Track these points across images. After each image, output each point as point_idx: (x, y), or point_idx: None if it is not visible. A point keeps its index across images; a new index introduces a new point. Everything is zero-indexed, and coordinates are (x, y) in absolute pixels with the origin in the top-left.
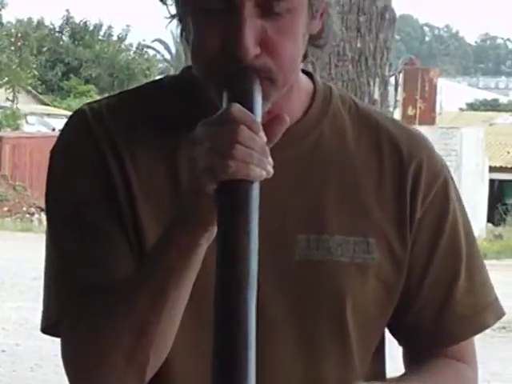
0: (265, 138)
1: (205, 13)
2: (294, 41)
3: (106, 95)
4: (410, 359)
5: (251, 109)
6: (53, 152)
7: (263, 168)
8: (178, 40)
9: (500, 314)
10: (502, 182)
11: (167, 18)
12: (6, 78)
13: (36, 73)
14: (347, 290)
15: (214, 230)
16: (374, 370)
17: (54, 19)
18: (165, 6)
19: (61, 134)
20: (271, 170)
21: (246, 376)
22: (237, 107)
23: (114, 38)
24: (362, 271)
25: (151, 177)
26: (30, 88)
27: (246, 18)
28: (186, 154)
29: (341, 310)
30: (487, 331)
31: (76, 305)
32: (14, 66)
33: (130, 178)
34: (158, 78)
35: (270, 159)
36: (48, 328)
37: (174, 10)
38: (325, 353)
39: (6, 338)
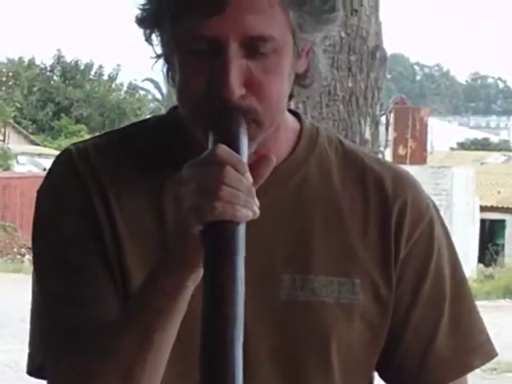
0: (251, 179)
1: (190, 54)
2: (279, 81)
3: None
4: None
5: (237, 150)
6: (39, 192)
7: (249, 209)
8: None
9: (490, 355)
10: (492, 221)
11: (153, 58)
12: None
13: (19, 105)
14: (332, 330)
15: (201, 271)
16: None
17: (45, 59)
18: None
19: (47, 174)
20: (257, 211)
21: None
22: (223, 148)
23: (105, 77)
24: (347, 312)
25: (137, 216)
26: (20, 128)
27: (232, 59)
28: (172, 195)
29: (326, 351)
30: (477, 372)
31: (61, 347)
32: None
33: (116, 217)
34: (145, 117)
35: (256, 200)
36: (34, 371)
37: (160, 50)
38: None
39: None
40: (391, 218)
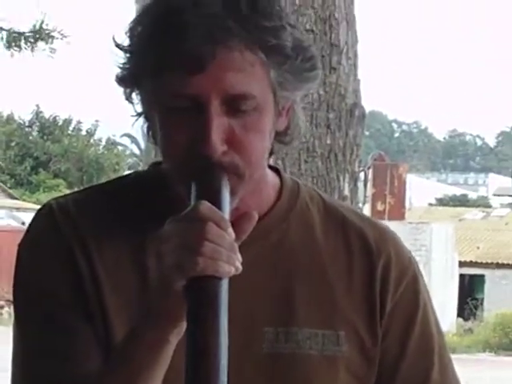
0: (233, 235)
1: (171, 111)
2: (260, 138)
3: (75, 189)
4: None
5: (219, 206)
6: (20, 245)
7: (232, 264)
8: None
9: None
10: (471, 276)
11: (133, 116)
12: None
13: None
14: (316, 382)
15: (183, 325)
16: None
17: (23, 114)
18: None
19: (29, 228)
20: (240, 267)
21: None
22: (205, 205)
23: (83, 132)
24: (330, 363)
25: (118, 270)
26: None
27: (213, 117)
28: (154, 251)
29: None
30: None
31: None
32: None
33: (98, 271)
34: (125, 173)
35: (238, 255)
36: None
37: (140, 108)
38: None
39: None
40: (376, 272)
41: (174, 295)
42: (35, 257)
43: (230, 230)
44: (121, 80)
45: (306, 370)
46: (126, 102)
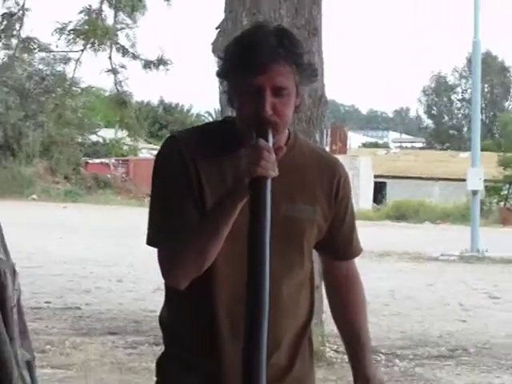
0: (274, 156)
1: (245, 93)
2: (288, 109)
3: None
4: (327, 266)
5: (268, 142)
6: (156, 157)
7: (273, 171)
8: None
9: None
10: (380, 183)
11: (222, 93)
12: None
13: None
14: (304, 232)
15: (244, 201)
16: (311, 264)
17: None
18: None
19: (161, 146)
20: (277, 172)
21: (264, 272)
22: (262, 141)
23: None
24: (311, 224)
25: (211, 175)
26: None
27: (267, 97)
28: (233, 164)
29: (301, 241)
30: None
31: (163, 239)
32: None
33: (200, 175)
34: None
35: (276, 167)
36: (149, 244)
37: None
38: (294, 258)
39: None
40: (335, 179)
41: (243, 185)
42: (164, 162)
43: (273, 154)
44: (218, 75)
45: (300, 227)
46: (220, 85)
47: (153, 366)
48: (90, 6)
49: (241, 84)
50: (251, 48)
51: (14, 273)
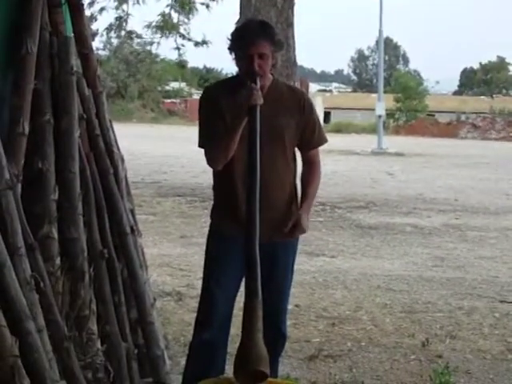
0: (260, 93)
1: (243, 58)
2: (268, 66)
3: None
4: (303, 156)
5: (256, 84)
6: (200, 98)
7: (260, 101)
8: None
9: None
10: (328, 112)
11: (232, 59)
12: None
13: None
14: (284, 131)
15: (246, 119)
16: (293, 156)
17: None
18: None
19: (202, 93)
20: (262, 101)
21: (256, 158)
22: (253, 85)
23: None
24: (290, 127)
25: (229, 104)
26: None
27: (255, 60)
28: (239, 95)
29: (283, 138)
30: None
31: (206, 143)
32: None
33: (223, 106)
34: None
35: (262, 99)
36: (200, 147)
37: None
38: (278, 149)
39: None
40: (301, 101)
41: (244, 110)
42: (203, 101)
43: (260, 91)
44: (229, 48)
45: (281, 129)
46: (229, 56)
47: (201, 212)
48: (163, 11)
49: (240, 53)
50: (245, 32)
51: (122, 160)
